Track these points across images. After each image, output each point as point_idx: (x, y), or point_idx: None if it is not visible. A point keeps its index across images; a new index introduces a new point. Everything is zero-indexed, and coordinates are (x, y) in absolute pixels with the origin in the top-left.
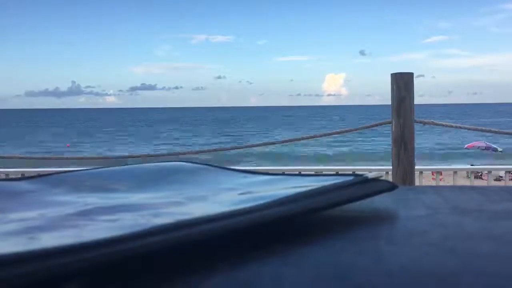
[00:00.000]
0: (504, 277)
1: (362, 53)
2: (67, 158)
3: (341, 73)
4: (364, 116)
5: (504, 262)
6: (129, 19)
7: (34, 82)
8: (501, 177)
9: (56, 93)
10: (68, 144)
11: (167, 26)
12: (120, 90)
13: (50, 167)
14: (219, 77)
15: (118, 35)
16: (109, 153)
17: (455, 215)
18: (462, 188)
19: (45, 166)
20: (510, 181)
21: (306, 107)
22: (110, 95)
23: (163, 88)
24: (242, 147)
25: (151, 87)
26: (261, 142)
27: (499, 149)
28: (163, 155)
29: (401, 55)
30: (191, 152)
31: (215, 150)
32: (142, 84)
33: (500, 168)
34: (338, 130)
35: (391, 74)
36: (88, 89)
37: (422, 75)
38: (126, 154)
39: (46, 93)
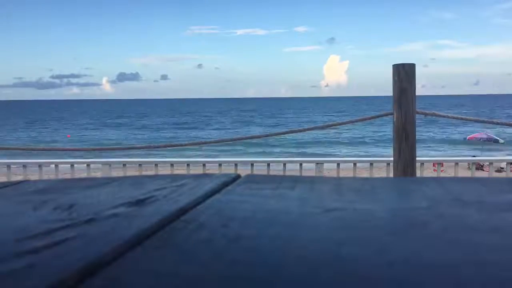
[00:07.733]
0: (505, 268)
1: (360, 43)
2: (68, 150)
3: (340, 64)
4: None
5: (505, 253)
6: (120, 9)
7: (13, 73)
8: (502, 168)
9: (38, 84)
10: (68, 135)
11: (158, 16)
12: (109, 81)
13: (51, 158)
14: (216, 68)
15: (107, 25)
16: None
17: (456, 207)
18: (463, 179)
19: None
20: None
21: (307, 98)
22: (96, 85)
23: (149, 79)
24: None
25: (136, 77)
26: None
27: (501, 140)
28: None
29: (402, 45)
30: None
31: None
32: (132, 73)
33: (501, 159)
34: (341, 121)
35: (392, 65)
36: (75, 80)
37: (423, 65)
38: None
39: (29, 84)
